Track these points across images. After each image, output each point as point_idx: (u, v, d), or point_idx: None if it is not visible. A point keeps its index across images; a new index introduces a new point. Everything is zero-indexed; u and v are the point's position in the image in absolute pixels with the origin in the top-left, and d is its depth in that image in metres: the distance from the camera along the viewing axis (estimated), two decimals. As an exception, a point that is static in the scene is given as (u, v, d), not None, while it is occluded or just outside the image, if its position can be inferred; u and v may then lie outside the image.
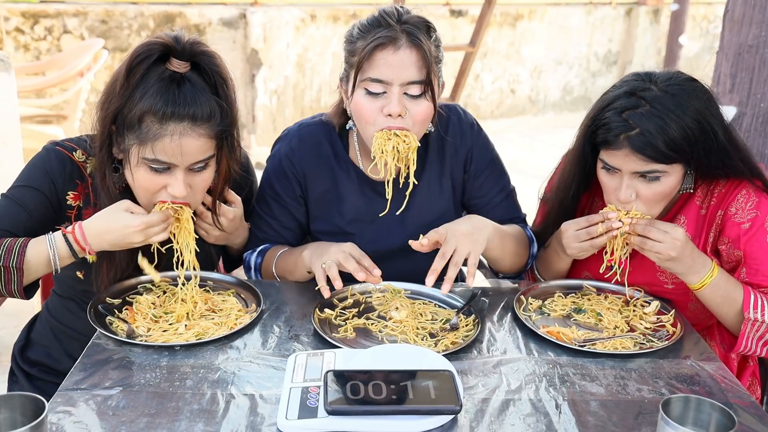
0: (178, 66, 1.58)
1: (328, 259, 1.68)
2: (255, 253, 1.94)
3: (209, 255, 1.90)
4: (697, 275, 1.69)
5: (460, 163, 1.95)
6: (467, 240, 1.68)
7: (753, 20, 2.53)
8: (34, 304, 1.94)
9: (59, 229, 1.60)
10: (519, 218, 2.01)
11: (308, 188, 1.93)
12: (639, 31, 8.59)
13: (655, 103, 1.66)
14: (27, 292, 1.64)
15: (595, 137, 1.74)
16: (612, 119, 1.68)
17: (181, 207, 1.63)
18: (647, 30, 8.70)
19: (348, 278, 1.71)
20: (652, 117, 1.64)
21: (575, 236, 1.78)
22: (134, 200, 1.65)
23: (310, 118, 1.99)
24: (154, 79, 1.56)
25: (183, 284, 1.69)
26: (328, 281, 1.68)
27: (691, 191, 1.82)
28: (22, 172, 1.71)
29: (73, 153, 1.70)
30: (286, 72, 6.54)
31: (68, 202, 1.69)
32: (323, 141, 1.92)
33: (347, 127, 1.87)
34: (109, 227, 1.58)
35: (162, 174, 1.59)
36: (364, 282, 1.75)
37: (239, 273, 1.97)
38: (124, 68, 1.57)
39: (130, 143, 1.58)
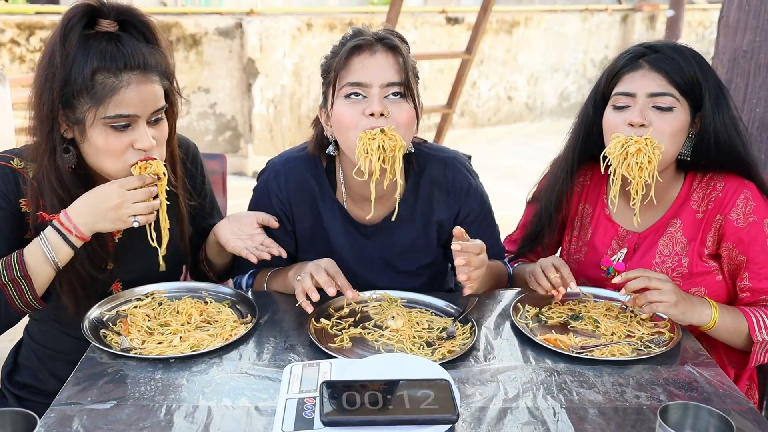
0: (108, 26, 1.58)
1: (303, 273, 1.68)
2: (246, 276, 1.95)
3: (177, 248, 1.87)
4: (705, 313, 1.69)
5: (450, 216, 1.93)
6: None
7: (748, 26, 2.53)
8: (22, 325, 1.93)
9: (46, 220, 1.59)
10: (501, 257, 2.02)
11: (296, 223, 1.92)
12: (635, 38, 8.62)
13: (670, 44, 1.79)
14: (44, 299, 1.64)
15: (607, 85, 1.81)
16: (631, 49, 1.80)
17: (149, 162, 1.60)
18: (643, 36, 8.74)
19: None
20: (670, 49, 1.77)
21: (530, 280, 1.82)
22: (93, 182, 1.63)
23: (297, 150, 1.94)
24: (91, 41, 1.55)
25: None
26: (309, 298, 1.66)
27: (688, 158, 1.81)
28: None
29: (11, 162, 1.68)
30: (282, 81, 6.54)
31: (23, 210, 1.67)
32: (309, 178, 1.89)
33: (327, 152, 1.84)
34: (87, 198, 1.57)
35: (125, 131, 1.57)
36: (360, 290, 1.74)
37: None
38: (58, 38, 1.55)
39: (85, 108, 1.55)
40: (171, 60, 1.68)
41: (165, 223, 1.70)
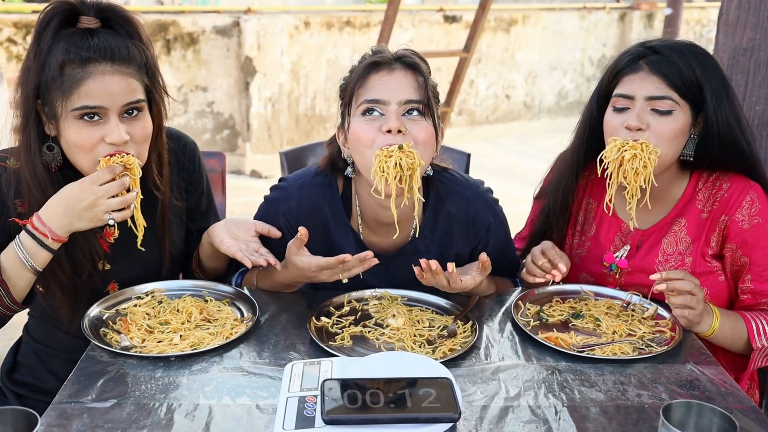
0: (88, 22, 1.57)
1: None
2: (236, 275, 1.92)
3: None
4: (707, 322, 1.68)
5: (468, 249, 1.88)
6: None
7: (747, 23, 2.53)
8: (22, 323, 1.92)
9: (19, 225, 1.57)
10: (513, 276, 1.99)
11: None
12: (633, 36, 8.63)
13: (671, 44, 1.77)
14: (26, 302, 1.62)
15: (608, 85, 1.81)
16: (631, 50, 1.79)
17: (124, 157, 1.57)
18: (641, 34, 8.73)
19: (344, 286, 1.70)
20: (671, 50, 1.75)
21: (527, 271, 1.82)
22: (71, 180, 1.60)
23: (312, 173, 1.87)
24: (67, 36, 1.54)
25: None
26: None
27: (691, 159, 1.81)
28: None
29: (6, 161, 1.67)
30: (280, 80, 6.53)
31: (18, 210, 1.65)
32: (323, 206, 1.83)
33: (345, 174, 1.79)
34: (59, 199, 1.55)
35: (96, 125, 1.55)
36: (359, 289, 1.76)
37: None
38: (34, 35, 1.56)
39: (56, 100, 1.54)
40: (152, 56, 1.65)
41: (140, 221, 1.66)
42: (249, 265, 1.69)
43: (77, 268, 1.68)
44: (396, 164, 1.61)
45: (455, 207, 1.83)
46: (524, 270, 1.87)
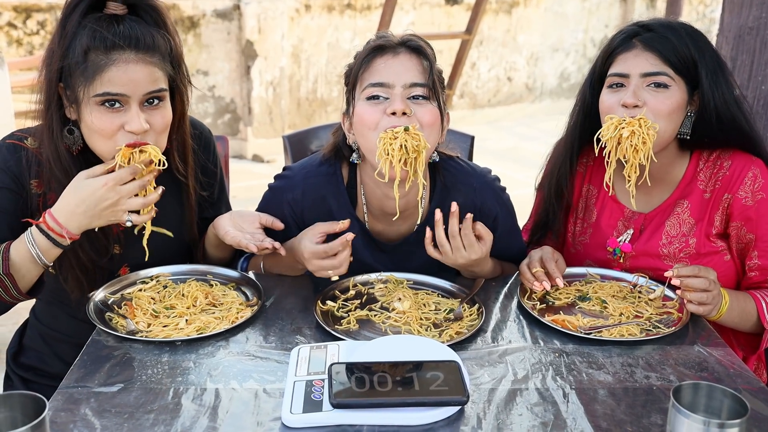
0: (115, 8, 1.56)
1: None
2: (241, 260, 1.91)
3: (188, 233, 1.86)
4: (716, 307, 1.65)
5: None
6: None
7: (753, 2, 2.50)
8: (29, 308, 1.92)
9: (32, 223, 1.56)
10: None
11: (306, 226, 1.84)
12: (635, 17, 8.54)
13: (664, 22, 1.77)
14: (32, 293, 1.62)
15: (603, 66, 1.80)
16: (624, 29, 1.79)
17: (143, 148, 1.56)
18: (643, 15, 8.64)
19: (350, 271, 1.69)
20: (664, 27, 1.75)
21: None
22: (91, 164, 1.60)
23: (317, 163, 1.86)
24: (93, 21, 1.53)
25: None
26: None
27: (688, 137, 1.79)
28: None
29: (25, 141, 1.66)
30: (281, 63, 6.50)
31: (33, 191, 1.65)
32: (328, 196, 1.82)
33: (351, 160, 1.78)
34: (78, 200, 1.52)
35: (116, 111, 1.54)
36: (364, 274, 1.76)
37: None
38: (61, 19, 1.55)
39: (78, 85, 1.53)
40: (177, 45, 1.64)
41: (148, 226, 1.65)
42: (255, 251, 1.68)
43: (94, 251, 1.68)
44: (401, 146, 1.59)
45: (462, 197, 1.80)
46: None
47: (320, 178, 1.83)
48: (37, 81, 1.60)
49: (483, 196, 1.84)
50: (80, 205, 1.52)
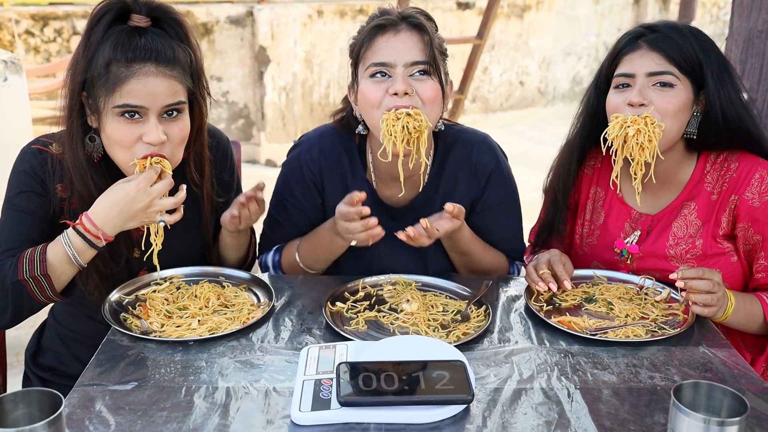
0: (138, 21, 1.60)
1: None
2: (272, 252, 1.96)
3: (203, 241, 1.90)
4: (722, 309, 1.65)
5: (471, 197, 1.93)
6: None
7: (762, 5, 2.51)
8: (46, 309, 1.96)
9: (68, 225, 1.60)
10: (510, 256, 2.00)
11: (326, 196, 1.92)
12: (648, 20, 8.51)
13: (669, 23, 1.79)
14: (65, 293, 1.66)
15: (609, 68, 1.82)
16: (630, 31, 1.82)
17: (160, 160, 1.60)
18: (656, 18, 8.63)
19: (358, 272, 1.72)
20: (669, 28, 1.77)
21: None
22: (111, 171, 1.65)
23: (330, 126, 1.95)
24: (116, 33, 1.58)
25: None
26: None
27: (695, 137, 1.81)
28: (9, 181, 1.70)
29: (50, 147, 1.70)
30: (294, 69, 6.54)
31: (58, 195, 1.69)
32: (342, 155, 1.90)
33: (356, 131, 1.85)
34: (112, 202, 1.57)
35: (136, 123, 1.58)
36: (374, 275, 1.80)
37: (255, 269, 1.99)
38: (86, 29, 1.60)
39: (99, 96, 1.57)
40: (198, 59, 1.68)
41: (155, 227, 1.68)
42: (237, 209, 1.73)
43: (115, 255, 1.73)
44: (403, 128, 1.66)
45: (460, 153, 1.90)
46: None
47: (334, 138, 1.91)
48: (62, 88, 1.64)
49: (479, 151, 1.91)
50: (113, 207, 1.57)
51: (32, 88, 4.23)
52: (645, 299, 1.76)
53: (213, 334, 1.54)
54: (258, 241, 2.03)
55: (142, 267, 1.80)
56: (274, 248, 1.96)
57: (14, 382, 2.01)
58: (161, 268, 1.74)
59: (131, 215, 1.58)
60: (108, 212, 1.57)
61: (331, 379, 1.34)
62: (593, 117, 1.88)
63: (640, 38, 1.78)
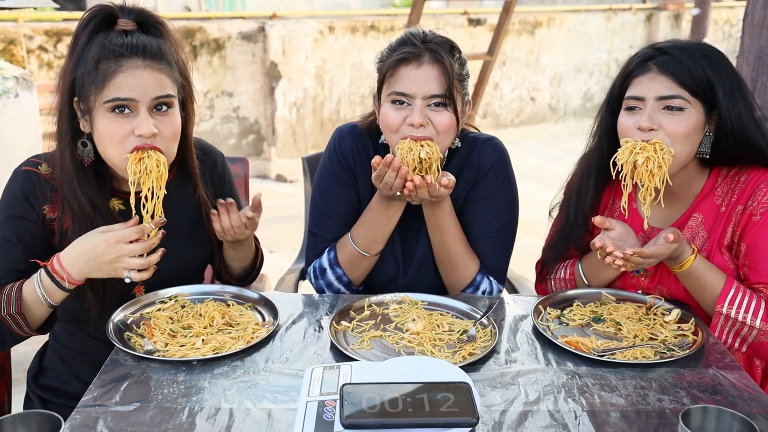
0: (125, 25, 1.63)
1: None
2: (325, 253, 2.00)
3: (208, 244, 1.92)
4: (681, 258, 1.73)
5: (464, 193, 2.00)
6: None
7: (773, 23, 2.50)
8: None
9: (40, 266, 1.62)
10: (486, 265, 1.98)
11: (358, 182, 2.02)
12: (660, 37, 8.53)
13: (680, 44, 1.78)
14: (43, 329, 1.69)
15: (620, 89, 1.82)
16: (640, 52, 1.81)
17: (151, 151, 1.60)
18: (668, 35, 8.61)
19: (365, 289, 1.71)
20: (679, 50, 1.75)
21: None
22: (100, 178, 1.67)
23: (362, 120, 2.06)
24: (103, 35, 1.61)
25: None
26: None
27: (708, 156, 1.79)
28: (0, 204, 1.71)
29: (38, 167, 1.71)
30: (305, 84, 6.58)
31: (47, 216, 1.69)
32: (369, 148, 2.02)
33: (379, 141, 1.98)
34: (83, 249, 1.59)
35: (126, 117, 1.60)
36: (379, 294, 1.80)
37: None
38: (73, 37, 1.63)
39: (90, 94, 1.59)
40: (182, 59, 1.71)
41: (159, 192, 1.66)
42: (217, 225, 1.80)
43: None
44: (414, 159, 1.77)
45: (464, 149, 1.99)
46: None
47: (365, 130, 2.03)
48: (53, 91, 1.67)
49: (481, 149, 2.00)
50: (83, 254, 1.59)
51: (44, 104, 4.26)
52: (654, 320, 1.74)
53: (217, 353, 1.53)
54: (305, 254, 2.09)
55: (137, 283, 1.79)
56: (326, 249, 2.01)
57: (19, 400, 2.00)
58: (163, 272, 1.74)
59: (97, 266, 1.59)
60: (77, 257, 1.59)
61: (335, 400, 1.33)
62: (608, 133, 1.87)
63: (650, 60, 1.76)
